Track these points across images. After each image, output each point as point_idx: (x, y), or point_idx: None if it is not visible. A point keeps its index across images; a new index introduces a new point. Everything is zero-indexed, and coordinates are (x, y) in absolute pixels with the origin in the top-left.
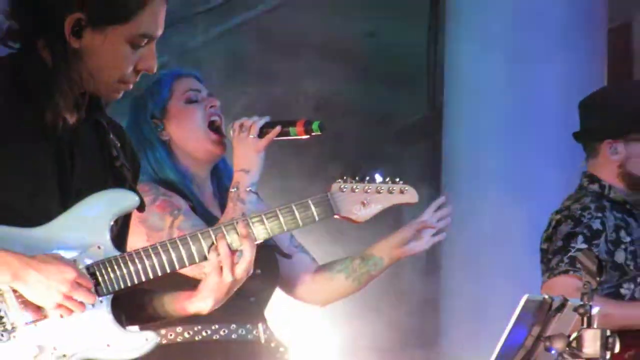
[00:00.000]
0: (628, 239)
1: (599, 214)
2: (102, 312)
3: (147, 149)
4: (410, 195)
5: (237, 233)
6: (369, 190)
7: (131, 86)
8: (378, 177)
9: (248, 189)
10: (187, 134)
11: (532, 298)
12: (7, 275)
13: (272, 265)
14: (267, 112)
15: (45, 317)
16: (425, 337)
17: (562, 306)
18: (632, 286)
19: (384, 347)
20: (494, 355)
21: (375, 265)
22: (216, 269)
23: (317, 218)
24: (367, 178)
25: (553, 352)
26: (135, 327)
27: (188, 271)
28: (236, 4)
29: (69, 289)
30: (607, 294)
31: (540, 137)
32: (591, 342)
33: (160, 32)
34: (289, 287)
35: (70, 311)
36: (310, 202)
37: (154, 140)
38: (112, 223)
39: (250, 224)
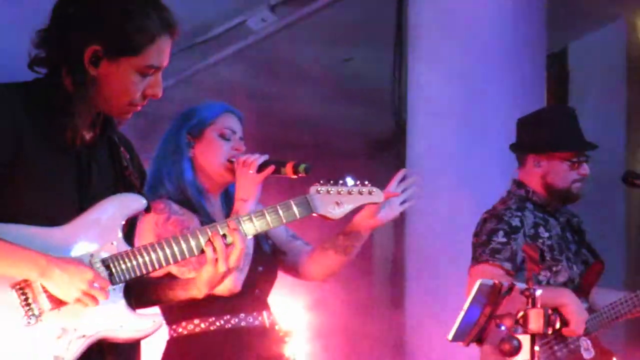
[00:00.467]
0: (546, 235)
1: (519, 213)
2: (115, 298)
3: (175, 155)
4: (377, 196)
5: (226, 231)
6: (341, 192)
7: (139, 108)
8: (350, 181)
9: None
10: (209, 161)
11: (484, 283)
12: (35, 272)
13: (271, 262)
14: (257, 128)
15: (66, 303)
16: (392, 299)
17: (510, 289)
18: (548, 274)
19: (357, 305)
20: (453, 332)
21: (356, 237)
22: (211, 262)
23: (298, 216)
24: (340, 181)
25: (503, 328)
26: (144, 310)
27: (174, 270)
28: (231, 35)
29: (87, 287)
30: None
31: (488, 147)
32: (535, 320)
33: (166, 63)
34: (293, 271)
35: (87, 305)
36: (292, 202)
37: (183, 151)
38: (123, 223)
39: (241, 221)
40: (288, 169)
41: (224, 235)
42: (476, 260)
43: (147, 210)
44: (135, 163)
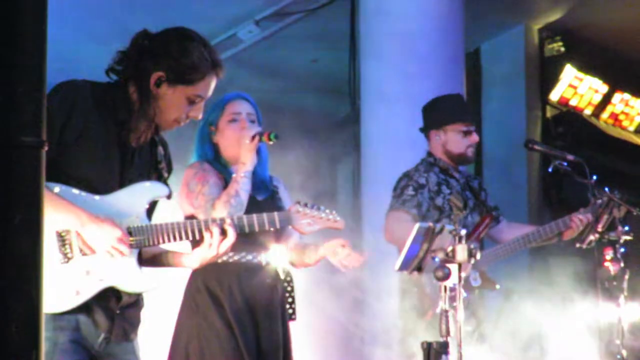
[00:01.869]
0: (448, 191)
1: (425, 174)
2: (131, 258)
3: (204, 143)
4: (339, 224)
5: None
6: (314, 216)
7: (182, 124)
8: (322, 208)
9: (242, 176)
10: (225, 145)
11: (422, 226)
12: (77, 222)
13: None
14: None
15: (94, 252)
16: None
17: (441, 230)
18: (448, 221)
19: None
20: (399, 263)
21: (314, 258)
22: (207, 244)
23: (278, 226)
24: (315, 206)
25: (436, 259)
26: (148, 269)
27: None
28: (225, 44)
29: (116, 242)
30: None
31: (420, 119)
32: (461, 253)
33: (209, 94)
34: (280, 241)
35: (112, 255)
36: (275, 215)
37: (207, 140)
38: (147, 203)
39: (236, 220)
40: (265, 137)
41: (222, 228)
42: (391, 207)
43: (169, 197)
44: (167, 159)
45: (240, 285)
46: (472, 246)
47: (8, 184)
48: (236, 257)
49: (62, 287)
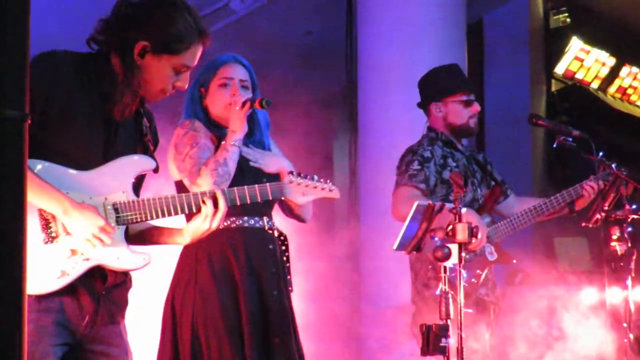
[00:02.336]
0: (454, 164)
1: (429, 147)
2: (118, 235)
3: (194, 104)
4: (335, 193)
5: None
6: (308, 185)
7: (168, 94)
8: (315, 178)
9: (232, 143)
10: (214, 109)
11: (421, 204)
12: (60, 209)
13: (277, 179)
14: None
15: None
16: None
17: (441, 209)
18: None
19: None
20: (397, 243)
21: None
22: (202, 217)
23: (270, 197)
24: (308, 176)
25: (436, 239)
26: (137, 247)
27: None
28: (218, 15)
29: (97, 231)
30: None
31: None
32: (461, 232)
33: (195, 64)
34: (284, 208)
35: (94, 245)
36: (268, 187)
37: (198, 101)
38: (134, 178)
39: (227, 192)
40: (257, 104)
41: (215, 201)
42: (398, 184)
43: (156, 170)
44: (152, 131)
45: (245, 250)
46: (486, 219)
47: None
48: (239, 222)
49: (47, 268)
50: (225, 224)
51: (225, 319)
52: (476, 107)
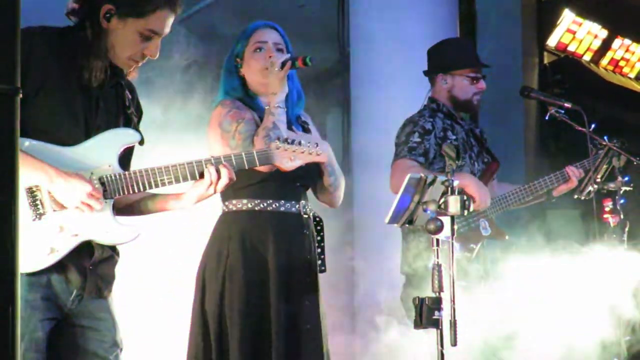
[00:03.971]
0: (453, 137)
1: (430, 119)
2: (106, 209)
3: (230, 75)
4: (322, 157)
5: (219, 164)
6: (295, 150)
7: (140, 64)
8: (303, 142)
9: (276, 106)
10: (251, 76)
11: (413, 176)
12: (45, 178)
13: (314, 164)
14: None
15: (66, 207)
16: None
17: (433, 181)
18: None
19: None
20: (389, 216)
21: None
22: (206, 184)
23: (257, 164)
24: (295, 141)
25: (428, 212)
26: (126, 219)
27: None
28: None
29: (86, 197)
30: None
31: (413, 68)
32: (453, 204)
33: (166, 31)
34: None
35: (83, 211)
36: (255, 153)
37: (234, 73)
38: (119, 151)
39: (213, 159)
40: (299, 62)
41: (217, 169)
42: (397, 156)
43: (141, 142)
44: (135, 103)
45: (278, 234)
46: (464, 198)
47: None
48: (274, 206)
49: (35, 246)
50: (262, 205)
51: (250, 302)
52: (482, 84)
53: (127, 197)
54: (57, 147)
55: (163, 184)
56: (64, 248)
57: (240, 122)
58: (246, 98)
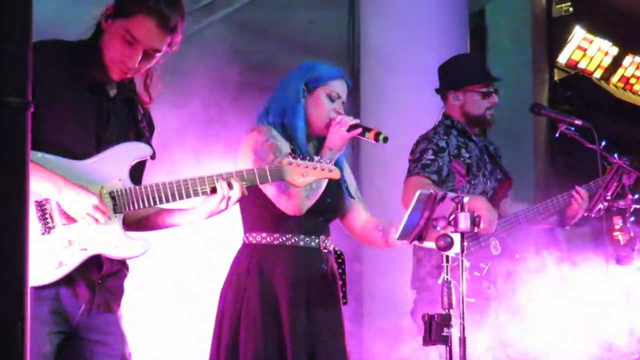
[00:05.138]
0: (467, 155)
1: (445, 137)
2: (115, 223)
3: (292, 97)
4: (335, 173)
5: (230, 179)
6: (308, 166)
7: (129, 74)
8: (316, 158)
9: (329, 162)
10: (313, 114)
11: (423, 192)
12: (54, 189)
13: (339, 197)
14: (240, 74)
15: (75, 221)
16: None
17: (443, 197)
18: (467, 186)
19: None
20: (399, 232)
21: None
22: (218, 199)
23: (270, 180)
24: (308, 157)
25: (438, 228)
26: (136, 234)
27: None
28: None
29: (91, 209)
30: (451, 190)
31: (423, 86)
32: (463, 221)
33: (149, 44)
34: (345, 222)
35: (89, 223)
36: (267, 169)
37: (299, 98)
38: (130, 165)
39: (234, 175)
40: (371, 135)
41: (229, 183)
42: (410, 173)
43: (153, 157)
44: (147, 118)
45: (297, 270)
46: (475, 215)
47: None
48: (293, 240)
49: (44, 259)
50: (281, 240)
51: (266, 338)
52: (494, 99)
53: (137, 212)
54: (67, 161)
55: (174, 199)
56: (72, 262)
57: (278, 156)
58: (292, 126)
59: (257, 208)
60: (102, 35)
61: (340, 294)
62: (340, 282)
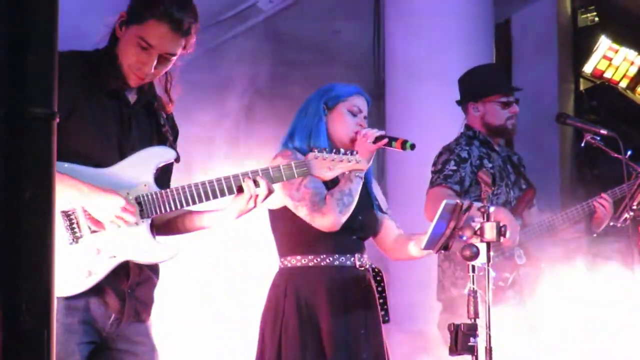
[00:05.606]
0: (489, 165)
1: (467, 148)
2: (143, 228)
3: (314, 118)
4: (362, 164)
5: (256, 177)
6: (334, 160)
7: (145, 80)
8: (342, 151)
9: (356, 175)
10: (337, 130)
11: (449, 202)
12: (79, 195)
13: (370, 214)
14: (266, 85)
15: (103, 228)
16: None
17: (469, 207)
18: (490, 195)
19: None
20: (424, 242)
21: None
22: (246, 198)
23: (296, 176)
24: (334, 150)
25: (464, 238)
26: (164, 238)
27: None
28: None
29: (120, 211)
30: (474, 201)
31: (447, 98)
32: (489, 231)
33: (162, 48)
34: (377, 239)
35: (119, 226)
36: (293, 164)
37: (320, 116)
38: (155, 170)
39: (250, 173)
40: (397, 144)
41: (255, 181)
42: (432, 184)
43: (177, 160)
44: (170, 122)
45: (331, 290)
46: (501, 225)
47: (18, 158)
48: (328, 260)
49: (74, 269)
50: (315, 261)
51: (305, 353)
52: (514, 108)
53: (165, 215)
54: (91, 170)
55: (200, 200)
56: (102, 270)
57: (306, 177)
58: (323, 144)
59: (289, 232)
60: (118, 43)
61: (379, 312)
62: (380, 300)
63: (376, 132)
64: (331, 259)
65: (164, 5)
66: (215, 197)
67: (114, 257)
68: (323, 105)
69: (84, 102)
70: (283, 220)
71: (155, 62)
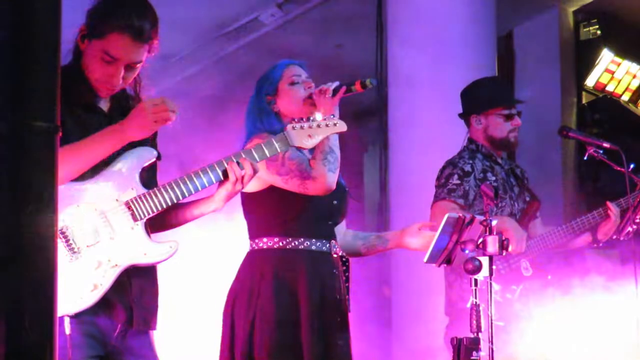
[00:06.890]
0: (493, 178)
1: (470, 161)
2: (138, 231)
3: (262, 115)
4: (341, 126)
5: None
6: (312, 126)
7: (116, 90)
8: (318, 116)
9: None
10: (292, 107)
11: (451, 216)
12: (118, 132)
13: (344, 201)
14: None
15: (99, 241)
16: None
17: (472, 220)
18: (494, 208)
19: None
20: (427, 255)
21: (384, 245)
22: (232, 180)
23: (278, 150)
24: (311, 118)
25: (466, 251)
26: (161, 236)
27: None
28: (247, 28)
29: (152, 111)
30: (479, 214)
31: (450, 111)
32: (492, 244)
33: (127, 59)
34: None
35: (170, 119)
36: (273, 139)
37: (267, 110)
38: (139, 171)
39: (242, 154)
40: (357, 86)
41: (238, 163)
42: (436, 198)
43: (158, 158)
44: None
45: (310, 274)
46: (503, 238)
47: (21, 171)
48: (306, 244)
49: (78, 285)
50: (293, 244)
51: (281, 342)
52: (517, 121)
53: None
54: (77, 184)
55: (190, 193)
56: (106, 281)
57: (287, 151)
58: (273, 129)
59: (265, 214)
60: (82, 56)
61: (347, 301)
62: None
63: (331, 85)
64: (309, 243)
65: (122, 17)
66: (203, 186)
67: (116, 265)
68: (266, 97)
69: (65, 117)
70: (261, 202)
71: (122, 73)
